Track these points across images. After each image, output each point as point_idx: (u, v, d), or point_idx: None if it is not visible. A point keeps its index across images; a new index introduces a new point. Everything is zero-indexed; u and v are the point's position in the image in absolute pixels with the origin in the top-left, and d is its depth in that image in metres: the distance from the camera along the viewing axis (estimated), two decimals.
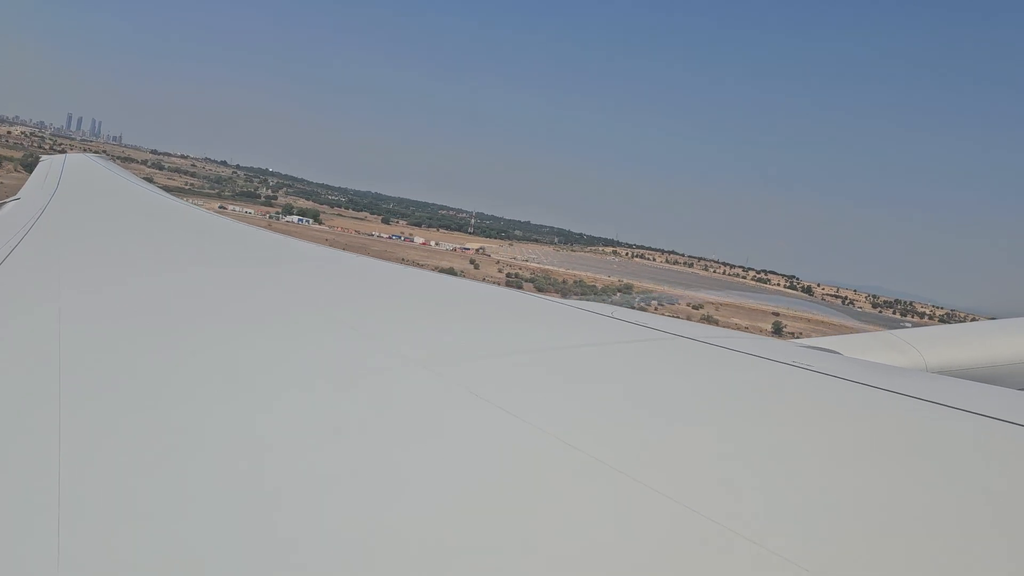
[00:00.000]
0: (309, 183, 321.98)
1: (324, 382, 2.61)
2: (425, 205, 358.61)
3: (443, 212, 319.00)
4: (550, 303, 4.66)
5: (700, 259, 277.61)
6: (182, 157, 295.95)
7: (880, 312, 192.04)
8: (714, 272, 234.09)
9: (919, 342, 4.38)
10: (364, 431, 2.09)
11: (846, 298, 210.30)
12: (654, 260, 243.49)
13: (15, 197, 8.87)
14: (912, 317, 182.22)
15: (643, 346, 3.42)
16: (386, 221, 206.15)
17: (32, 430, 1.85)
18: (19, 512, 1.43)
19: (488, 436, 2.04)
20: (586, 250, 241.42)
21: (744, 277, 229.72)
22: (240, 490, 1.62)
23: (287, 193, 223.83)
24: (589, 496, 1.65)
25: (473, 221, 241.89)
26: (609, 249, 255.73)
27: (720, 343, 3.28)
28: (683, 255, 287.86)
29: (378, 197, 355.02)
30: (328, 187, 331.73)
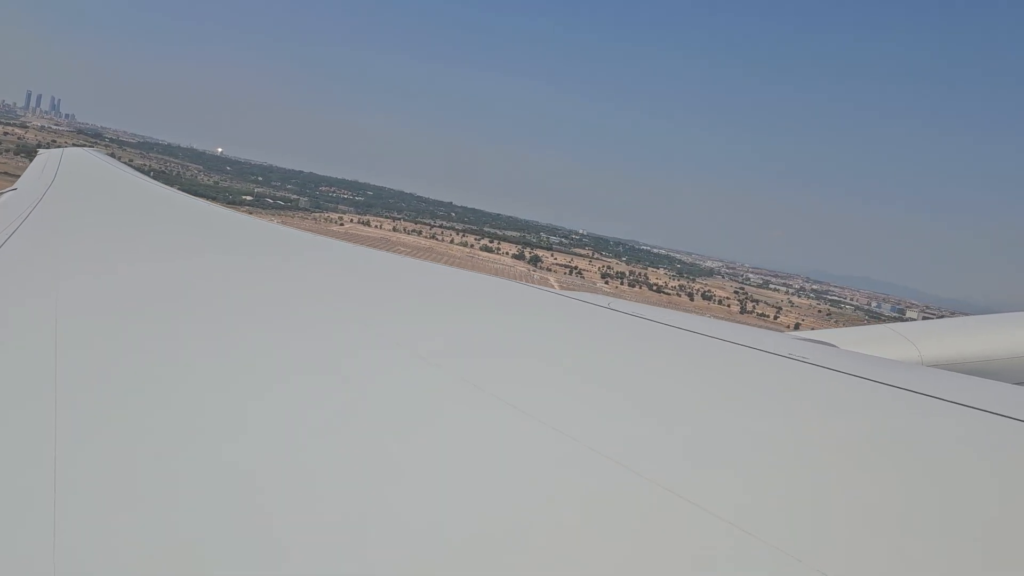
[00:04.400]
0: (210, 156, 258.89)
1: (326, 374, 2.52)
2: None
3: (322, 190, 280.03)
4: (547, 293, 4.68)
5: (434, 225, 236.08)
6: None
7: (608, 282, 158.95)
8: (432, 237, 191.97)
9: (915, 335, 4.47)
10: (364, 426, 2.02)
11: (576, 267, 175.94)
12: (379, 227, 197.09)
13: (12, 188, 9.02)
14: (610, 284, 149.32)
15: (641, 338, 3.44)
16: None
17: (28, 420, 1.81)
18: (16, 506, 1.39)
19: (488, 430, 2.01)
20: (308, 217, 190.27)
21: (472, 246, 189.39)
22: (235, 485, 1.57)
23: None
24: (589, 489, 1.64)
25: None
26: (335, 216, 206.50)
27: (718, 335, 3.30)
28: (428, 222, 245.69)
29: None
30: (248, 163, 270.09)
